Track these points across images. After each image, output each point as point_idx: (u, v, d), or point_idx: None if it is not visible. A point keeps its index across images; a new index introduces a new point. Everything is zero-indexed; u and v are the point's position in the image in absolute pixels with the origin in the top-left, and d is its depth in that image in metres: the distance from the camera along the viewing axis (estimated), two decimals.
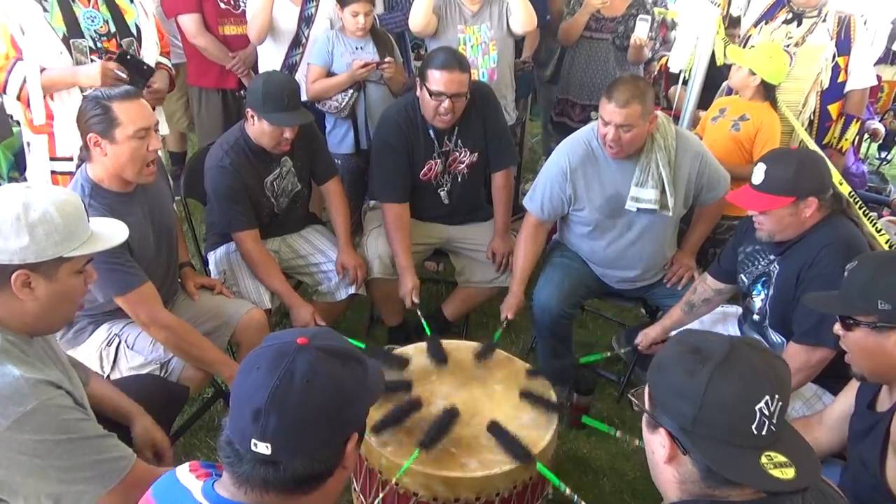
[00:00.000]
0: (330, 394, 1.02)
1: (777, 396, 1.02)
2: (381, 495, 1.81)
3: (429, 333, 2.40)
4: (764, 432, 1.02)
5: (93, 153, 1.97)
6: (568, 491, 1.79)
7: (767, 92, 2.89)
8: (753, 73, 2.85)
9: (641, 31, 3.41)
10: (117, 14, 2.55)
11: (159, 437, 1.77)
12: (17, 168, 3.32)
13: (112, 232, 1.51)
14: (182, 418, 2.39)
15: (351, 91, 3.05)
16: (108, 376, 2.07)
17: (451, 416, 1.89)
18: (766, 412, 1.02)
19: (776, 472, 1.01)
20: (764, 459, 1.02)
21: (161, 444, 1.76)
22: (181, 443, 2.42)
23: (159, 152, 2.76)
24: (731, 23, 3.46)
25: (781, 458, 1.02)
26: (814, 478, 1.04)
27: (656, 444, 1.11)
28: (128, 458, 1.41)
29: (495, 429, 1.88)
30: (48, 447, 1.29)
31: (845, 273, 1.58)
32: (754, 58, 2.86)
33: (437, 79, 2.53)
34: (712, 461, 1.03)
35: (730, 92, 3.16)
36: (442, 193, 2.86)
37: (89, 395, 1.65)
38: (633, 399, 1.19)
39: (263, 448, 0.99)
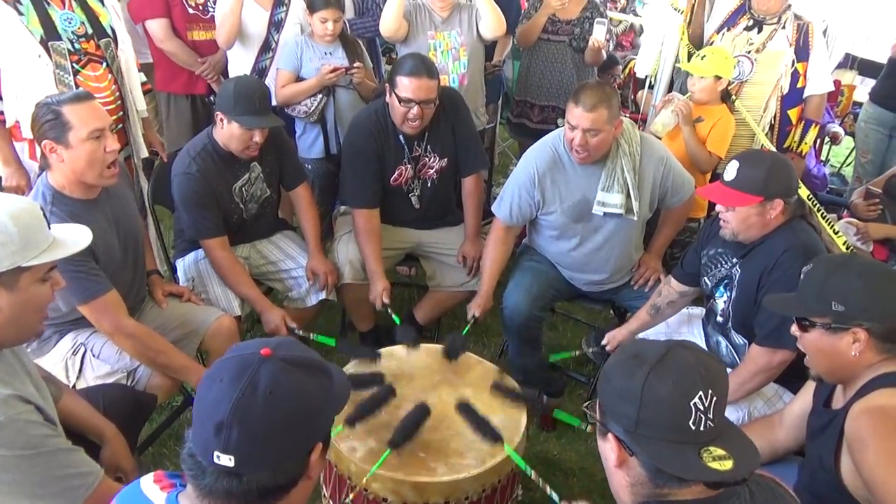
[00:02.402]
0: (293, 405, 1.02)
1: (710, 392, 1.08)
2: (349, 498, 1.82)
3: (398, 323, 2.43)
4: (702, 428, 1.08)
5: (50, 160, 1.94)
6: (534, 475, 1.82)
7: (723, 93, 3.00)
8: (719, 78, 2.93)
9: (599, 33, 3.48)
10: (92, 16, 2.54)
11: (125, 465, 1.75)
12: None
13: (75, 238, 1.49)
14: (151, 426, 2.38)
15: (320, 96, 3.05)
16: (74, 385, 2.04)
17: (421, 413, 1.91)
18: (701, 407, 1.07)
19: (714, 465, 1.06)
20: (703, 454, 1.07)
21: (125, 470, 1.74)
22: (150, 452, 2.40)
23: (143, 155, 2.76)
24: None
25: (720, 452, 1.07)
26: (750, 469, 1.09)
27: (607, 450, 1.16)
28: (95, 474, 1.41)
29: (465, 409, 1.92)
30: (15, 462, 1.28)
31: (801, 275, 1.62)
32: (716, 64, 2.93)
33: (406, 85, 2.54)
34: (655, 458, 1.09)
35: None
36: (413, 198, 2.88)
37: (62, 411, 1.64)
38: (586, 411, 1.23)
39: (226, 461, 0.99)
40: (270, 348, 1.05)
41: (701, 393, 1.07)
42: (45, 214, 1.44)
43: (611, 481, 1.20)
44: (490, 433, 1.86)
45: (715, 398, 1.08)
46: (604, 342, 2.54)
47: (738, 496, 1.12)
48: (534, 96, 3.82)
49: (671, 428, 1.08)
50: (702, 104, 2.99)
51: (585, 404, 1.25)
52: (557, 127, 2.76)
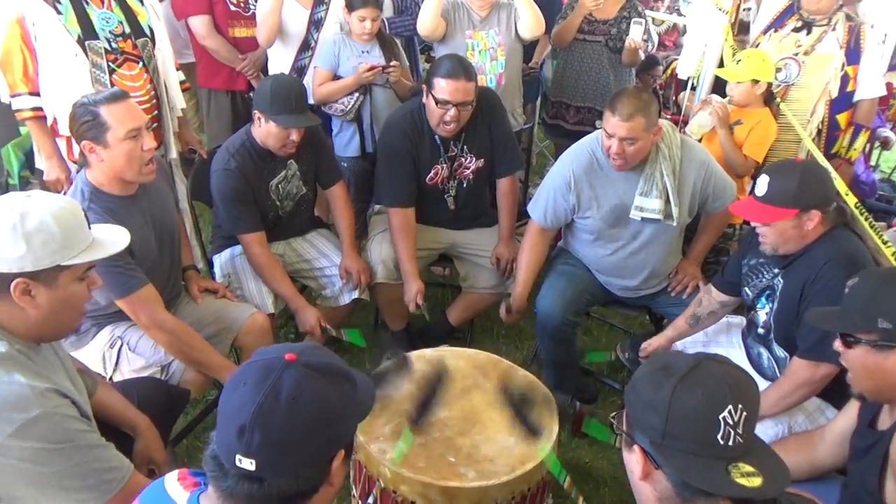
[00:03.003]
0: (315, 412, 1.02)
1: (740, 406, 1.06)
2: (372, 498, 1.82)
3: (429, 323, 2.42)
4: (731, 443, 1.05)
5: (90, 159, 1.98)
6: (567, 484, 1.80)
7: (767, 96, 2.92)
8: (756, 82, 2.85)
9: (636, 34, 3.41)
10: (131, 15, 2.58)
11: (158, 458, 1.78)
12: (29, 167, 3.35)
13: (113, 238, 1.51)
14: (185, 419, 2.41)
15: (357, 94, 3.06)
16: (111, 378, 2.09)
17: (437, 379, 1.90)
18: (731, 421, 1.05)
19: (743, 481, 1.04)
20: (731, 469, 1.05)
21: (158, 463, 1.77)
22: (184, 444, 2.44)
23: (172, 155, 2.81)
24: (741, 29, 3.44)
25: (749, 468, 1.05)
26: (780, 487, 1.06)
27: (633, 462, 1.14)
28: (126, 468, 1.42)
29: (507, 392, 1.91)
30: (49, 455, 1.30)
31: (846, 289, 1.57)
32: (752, 67, 2.86)
33: (443, 87, 2.53)
34: (682, 472, 1.07)
35: None
36: (448, 199, 2.87)
37: (97, 403, 1.68)
38: (612, 422, 1.22)
39: (248, 464, 0.99)
40: (295, 353, 1.05)
41: (730, 407, 1.05)
42: (85, 214, 1.46)
43: (636, 494, 1.18)
44: (528, 425, 1.84)
45: (745, 413, 1.06)
46: (640, 351, 2.49)
47: None
48: (570, 97, 3.77)
49: (699, 442, 1.06)
50: (742, 107, 2.92)
51: (612, 415, 1.23)
52: (594, 128, 2.72)
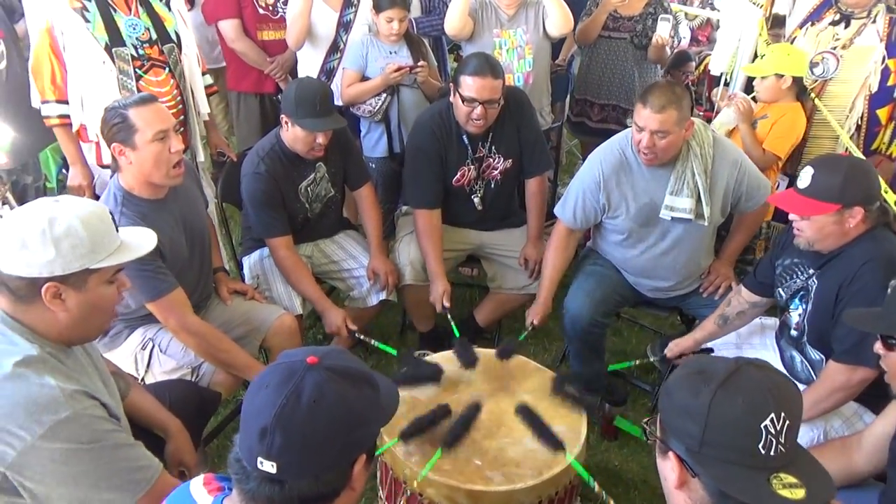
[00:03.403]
0: (337, 415, 1.02)
1: (783, 414, 1.01)
2: (402, 501, 1.82)
3: (457, 336, 2.41)
4: (773, 452, 1.01)
5: (120, 162, 2.02)
6: (597, 488, 1.79)
7: (799, 90, 2.87)
8: (781, 76, 2.80)
9: (663, 30, 3.35)
10: (157, 21, 2.61)
11: (188, 460, 1.80)
12: (67, 169, 3.43)
13: (140, 241, 1.53)
14: (216, 419, 2.43)
15: (384, 95, 3.06)
16: (143, 379, 2.12)
17: (474, 411, 1.90)
18: (773, 430, 1.01)
19: (785, 493, 1.00)
20: (773, 480, 1.01)
21: (188, 465, 1.80)
22: (215, 444, 2.46)
23: (200, 158, 2.85)
24: (776, 23, 3.36)
25: (791, 480, 1.01)
26: (824, 500, 1.02)
27: (667, 469, 1.10)
28: (155, 468, 1.44)
29: (525, 413, 1.90)
30: (78, 455, 1.32)
31: (889, 290, 1.52)
32: (775, 62, 2.82)
33: (470, 85, 2.52)
34: (720, 482, 1.03)
35: None
36: (475, 199, 2.85)
37: (129, 405, 1.70)
38: (645, 427, 1.17)
39: (269, 466, 1.00)
40: (318, 357, 1.05)
41: (773, 415, 1.01)
42: (114, 217, 1.48)
43: (669, 502, 1.15)
44: (551, 440, 1.83)
45: (788, 422, 1.02)
46: (666, 350, 2.45)
47: None
48: (594, 95, 3.72)
49: (739, 451, 1.02)
50: (769, 103, 2.87)
51: (645, 420, 1.19)
52: (619, 126, 2.68)
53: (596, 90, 3.71)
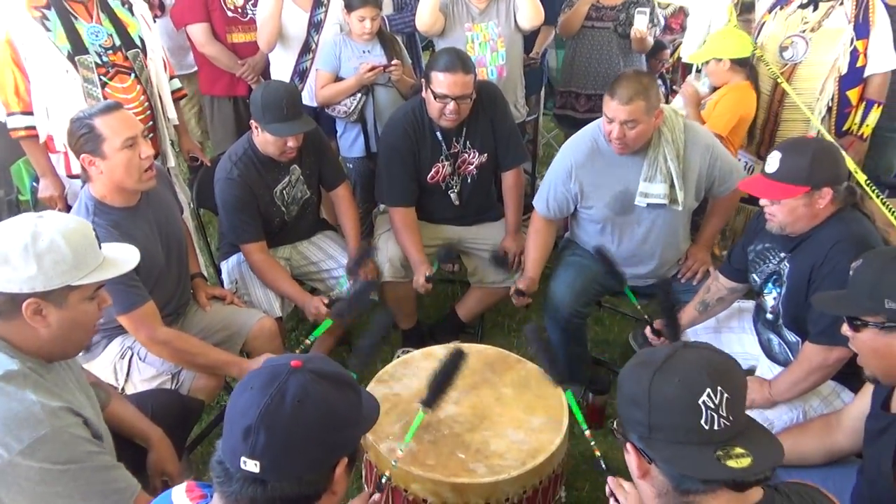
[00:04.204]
0: (320, 415, 1.03)
1: (720, 388, 1.05)
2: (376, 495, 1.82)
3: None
4: (716, 427, 1.05)
5: (90, 173, 1.99)
6: (588, 433, 1.85)
7: (743, 69, 2.98)
8: (720, 60, 2.92)
9: (640, 23, 3.38)
10: (120, 27, 2.58)
11: (171, 469, 1.79)
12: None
13: (124, 257, 1.52)
14: (200, 425, 2.42)
15: (359, 95, 3.05)
16: (123, 388, 2.11)
17: (456, 358, 1.90)
18: (712, 405, 1.05)
19: (731, 463, 1.03)
20: (720, 452, 1.04)
21: (171, 474, 1.79)
22: (199, 451, 2.45)
23: (171, 164, 2.83)
24: (745, 9, 3.39)
25: (739, 450, 1.04)
26: (770, 464, 1.05)
27: (630, 461, 1.14)
28: (132, 489, 1.43)
29: (534, 335, 1.98)
30: (55, 476, 1.31)
31: (850, 272, 1.54)
32: (711, 47, 2.96)
33: (441, 81, 2.52)
34: (671, 462, 1.07)
35: None
36: (452, 195, 2.85)
37: (110, 416, 1.69)
38: (614, 430, 1.21)
39: (252, 466, 1.01)
40: (301, 361, 1.08)
41: (709, 390, 1.05)
42: (97, 233, 1.47)
43: (640, 495, 1.18)
44: (556, 370, 1.89)
45: (726, 395, 1.05)
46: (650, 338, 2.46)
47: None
48: (579, 85, 3.73)
49: (684, 430, 1.06)
50: (720, 86, 3.00)
51: (614, 422, 1.22)
52: None
53: (582, 81, 3.71)
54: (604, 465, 1.72)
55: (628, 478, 1.23)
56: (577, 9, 3.54)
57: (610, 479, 1.41)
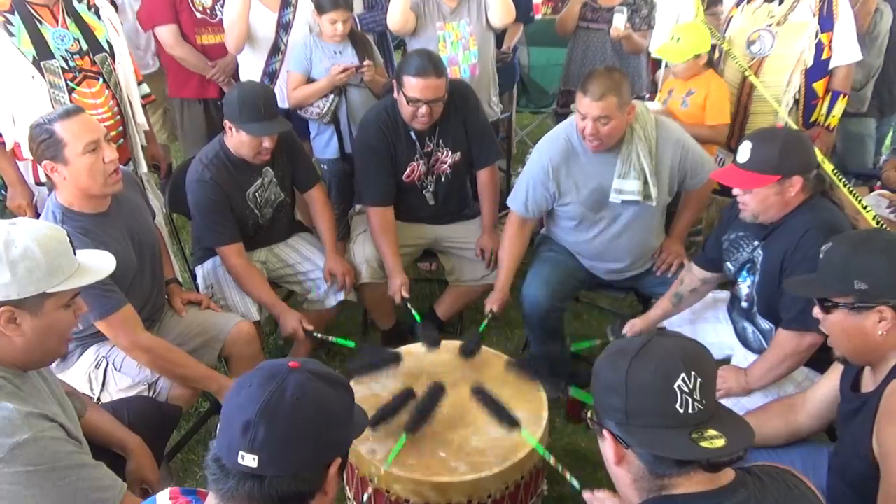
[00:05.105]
0: (317, 412, 1.06)
1: (693, 373, 1.09)
2: (367, 495, 1.82)
3: (419, 321, 2.47)
4: (691, 410, 1.08)
5: (54, 180, 1.95)
6: (552, 460, 1.83)
7: (706, 61, 3.06)
8: (697, 56, 2.98)
9: (618, 22, 3.42)
10: (87, 31, 2.53)
11: (150, 477, 1.78)
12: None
13: (99, 264, 1.51)
14: (179, 433, 2.40)
15: (332, 96, 3.03)
16: (99, 398, 2.07)
17: (437, 393, 1.92)
18: (686, 389, 1.08)
19: (705, 444, 1.07)
20: (694, 434, 1.08)
21: (150, 482, 1.77)
22: (179, 458, 2.43)
23: (143, 170, 2.79)
24: (711, 3, 3.43)
25: (712, 432, 1.08)
26: (742, 445, 1.09)
27: (606, 449, 1.16)
28: (118, 488, 1.42)
29: (480, 393, 1.92)
30: (38, 478, 1.30)
31: (820, 255, 1.57)
32: (691, 44, 2.99)
33: (414, 85, 2.51)
34: (648, 445, 1.10)
35: None
36: (427, 194, 2.86)
37: (86, 425, 1.67)
38: (587, 420, 1.22)
39: (250, 460, 1.01)
40: (299, 363, 1.10)
41: (683, 375, 1.08)
42: (71, 240, 1.45)
43: (616, 482, 1.20)
44: (507, 418, 1.86)
45: (699, 380, 1.09)
46: (624, 331, 2.49)
47: (746, 488, 1.11)
48: (577, 85, 3.76)
49: (660, 414, 1.09)
50: (687, 79, 3.05)
51: (588, 413, 1.23)
52: None
53: (578, 80, 3.74)
54: (576, 484, 1.72)
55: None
56: (570, 9, 3.65)
57: (585, 494, 1.45)
